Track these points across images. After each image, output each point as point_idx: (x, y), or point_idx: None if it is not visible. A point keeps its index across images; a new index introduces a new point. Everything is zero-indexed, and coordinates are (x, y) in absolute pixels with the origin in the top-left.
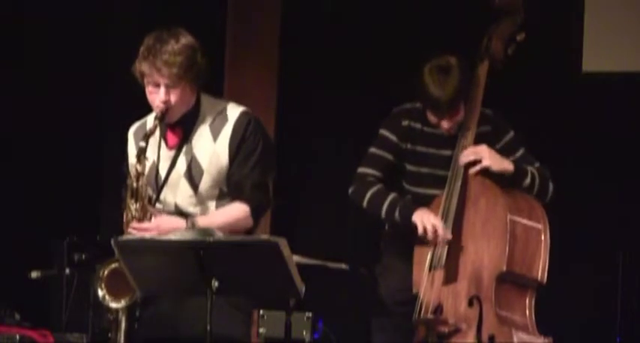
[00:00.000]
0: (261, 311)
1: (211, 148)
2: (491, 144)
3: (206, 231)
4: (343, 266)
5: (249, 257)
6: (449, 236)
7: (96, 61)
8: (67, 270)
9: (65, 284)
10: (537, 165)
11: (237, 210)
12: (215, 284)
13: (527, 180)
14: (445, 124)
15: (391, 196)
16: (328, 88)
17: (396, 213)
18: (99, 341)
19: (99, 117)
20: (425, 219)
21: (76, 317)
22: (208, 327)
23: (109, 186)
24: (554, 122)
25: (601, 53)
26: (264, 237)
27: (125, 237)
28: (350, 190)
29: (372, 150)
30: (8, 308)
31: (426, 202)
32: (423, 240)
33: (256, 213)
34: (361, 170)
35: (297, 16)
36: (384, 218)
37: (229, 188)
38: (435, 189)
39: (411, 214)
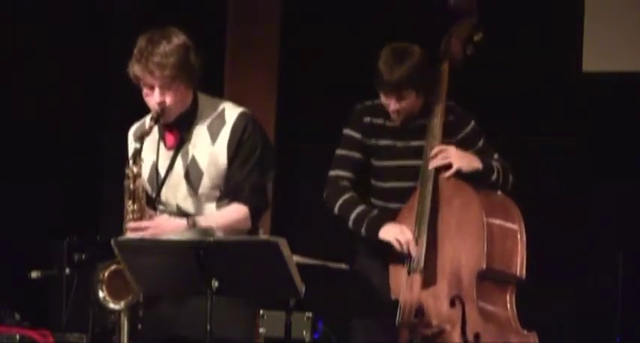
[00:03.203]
0: (261, 311)
1: (210, 150)
2: (453, 134)
3: (206, 231)
4: (343, 266)
5: (249, 257)
6: (421, 249)
7: (96, 60)
8: (67, 270)
9: (65, 284)
10: (496, 156)
11: (236, 212)
12: (215, 284)
13: (494, 176)
14: (391, 105)
15: (359, 208)
16: (328, 89)
17: (363, 229)
18: (99, 341)
19: (99, 117)
20: (398, 235)
21: (76, 317)
22: (208, 327)
23: (109, 186)
24: (554, 122)
25: (601, 53)
26: (264, 237)
27: (125, 237)
28: (324, 194)
29: (339, 151)
30: (8, 308)
31: (394, 196)
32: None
33: (255, 214)
34: (332, 173)
35: (297, 16)
36: (351, 228)
37: (227, 189)
38: (405, 182)
39: (377, 231)
